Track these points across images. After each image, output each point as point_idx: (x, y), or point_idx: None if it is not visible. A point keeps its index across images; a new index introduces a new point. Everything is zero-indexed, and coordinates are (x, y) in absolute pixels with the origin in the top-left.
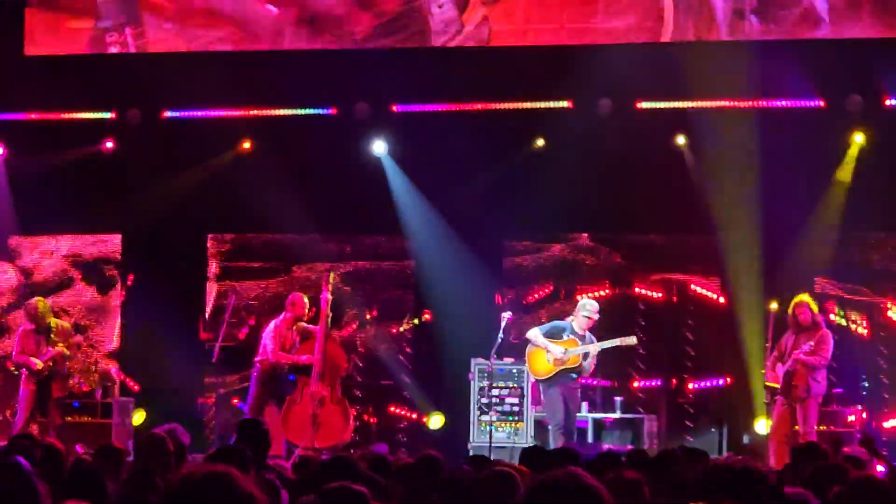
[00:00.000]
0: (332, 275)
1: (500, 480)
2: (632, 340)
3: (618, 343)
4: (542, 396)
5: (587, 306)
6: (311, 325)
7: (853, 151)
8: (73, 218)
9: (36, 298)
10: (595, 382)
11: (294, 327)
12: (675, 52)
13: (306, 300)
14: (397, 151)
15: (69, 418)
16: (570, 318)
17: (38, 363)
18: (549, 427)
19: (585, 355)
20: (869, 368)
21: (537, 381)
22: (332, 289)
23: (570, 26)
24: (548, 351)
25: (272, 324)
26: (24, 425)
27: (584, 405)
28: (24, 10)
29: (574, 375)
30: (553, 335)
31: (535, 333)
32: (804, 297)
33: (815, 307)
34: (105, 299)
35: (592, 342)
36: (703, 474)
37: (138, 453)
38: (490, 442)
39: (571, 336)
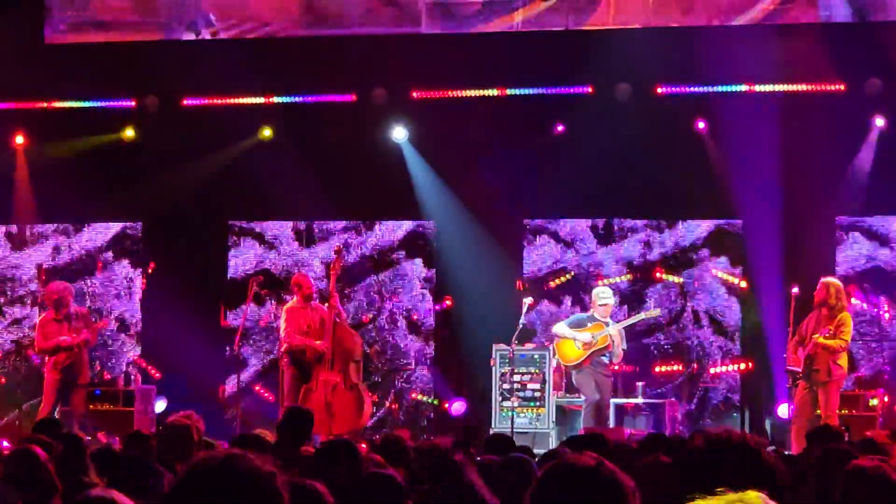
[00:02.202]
0: (340, 253)
1: (516, 466)
2: (656, 312)
3: (643, 316)
4: (574, 381)
5: (601, 294)
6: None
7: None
8: (93, 206)
9: (55, 282)
10: (617, 368)
11: (310, 307)
12: (695, 37)
13: (311, 279)
14: (417, 137)
15: (91, 406)
16: (590, 311)
17: (67, 339)
18: (583, 407)
19: (613, 339)
20: (892, 352)
21: (568, 367)
22: (340, 270)
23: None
24: (575, 340)
25: (284, 308)
26: (48, 414)
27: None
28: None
29: (605, 359)
30: (578, 325)
31: (560, 327)
32: (826, 279)
33: (835, 289)
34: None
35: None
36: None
37: (162, 441)
38: (512, 428)
39: (595, 323)
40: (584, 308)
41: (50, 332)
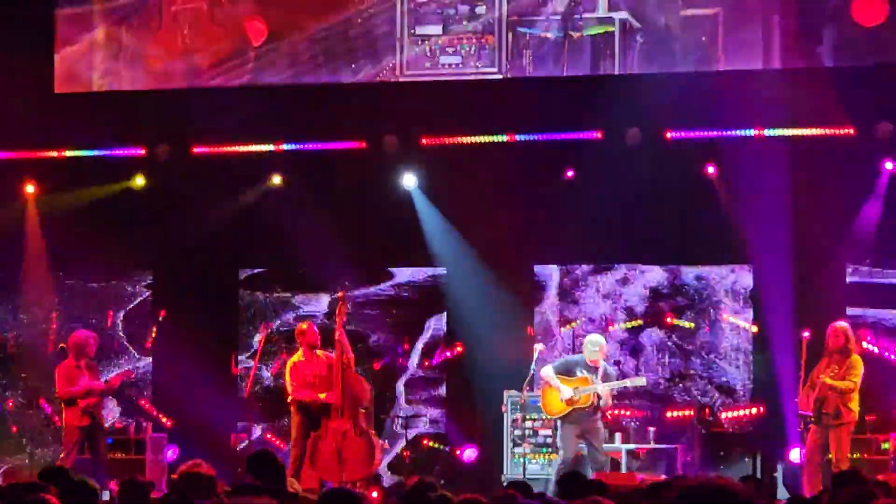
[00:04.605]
0: (344, 303)
1: None
2: (641, 381)
3: (627, 384)
4: (559, 432)
5: (591, 342)
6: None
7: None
8: (103, 254)
9: (81, 331)
10: (629, 413)
11: (317, 355)
12: (703, 81)
13: (315, 327)
14: (427, 184)
15: None
16: (584, 353)
17: (99, 384)
18: (555, 463)
19: (598, 395)
20: None
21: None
22: (346, 318)
23: None
24: (560, 390)
25: (289, 361)
26: (73, 462)
27: (618, 436)
28: (55, 49)
29: (590, 413)
30: (566, 371)
31: (547, 372)
32: (839, 324)
33: (849, 333)
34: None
35: (606, 374)
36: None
37: (174, 487)
38: (524, 474)
39: (584, 373)
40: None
41: (72, 377)
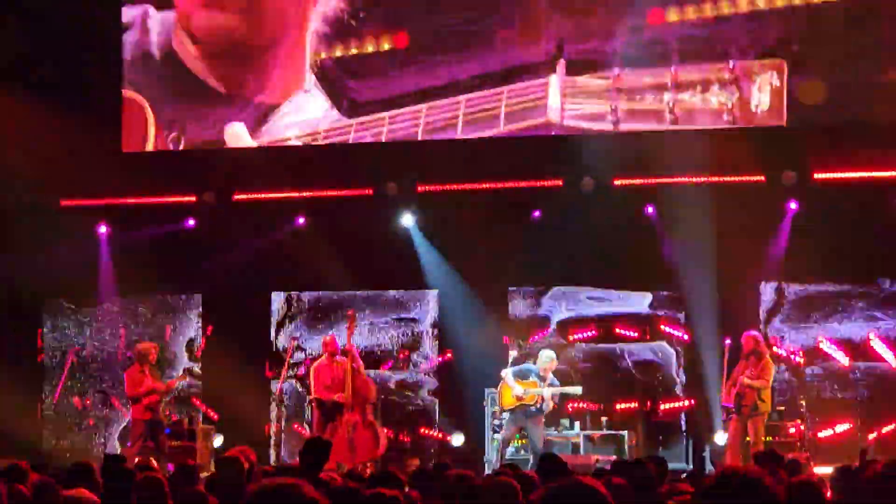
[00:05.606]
0: (353, 320)
1: (502, 488)
2: (577, 390)
3: (568, 391)
4: (504, 420)
5: (544, 357)
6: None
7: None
8: (161, 281)
9: (144, 342)
10: (585, 406)
11: (335, 361)
12: (645, 139)
13: (337, 339)
14: (423, 222)
15: None
16: (537, 365)
17: (162, 385)
18: (497, 440)
19: (542, 398)
20: (805, 389)
21: (503, 410)
22: (355, 330)
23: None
24: (513, 389)
25: (313, 366)
26: (140, 449)
27: (577, 423)
28: (121, 114)
29: (535, 411)
30: (521, 374)
31: (506, 373)
32: (751, 332)
33: (758, 339)
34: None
35: (553, 384)
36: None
37: (218, 470)
38: (501, 456)
39: (535, 378)
40: None
41: (137, 380)
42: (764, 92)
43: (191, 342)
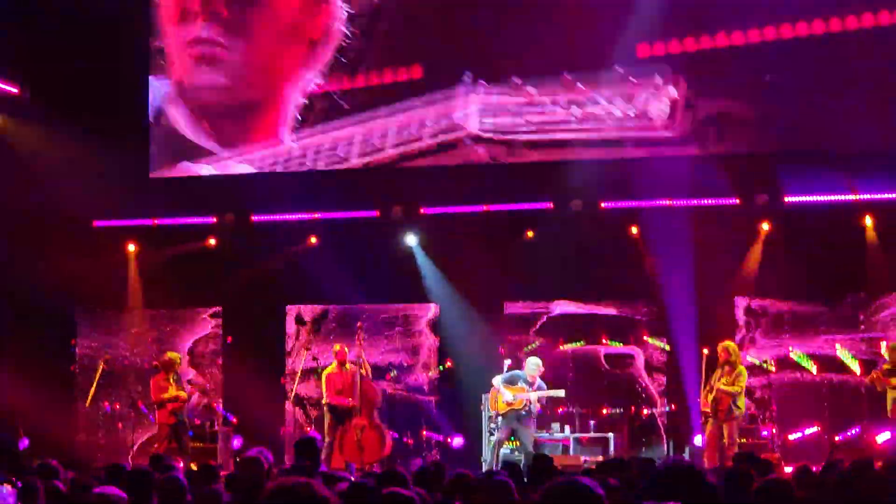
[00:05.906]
0: (362, 331)
1: (498, 486)
2: (560, 393)
3: (553, 394)
4: (498, 423)
5: (531, 363)
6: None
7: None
8: (185, 296)
9: (170, 353)
10: (574, 410)
11: (344, 369)
12: (629, 165)
13: (346, 349)
14: (425, 242)
15: None
16: (524, 371)
17: (186, 392)
18: (493, 441)
19: (529, 402)
20: (776, 395)
21: (496, 414)
22: (363, 340)
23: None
24: (503, 395)
25: (324, 374)
26: (166, 449)
27: (567, 427)
28: (150, 143)
29: (524, 414)
30: (511, 381)
31: (497, 380)
32: (726, 342)
33: (734, 350)
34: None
35: (540, 388)
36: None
37: (239, 469)
38: (496, 456)
39: (523, 384)
40: None
41: (163, 387)
42: (663, 102)
43: (190, 351)
